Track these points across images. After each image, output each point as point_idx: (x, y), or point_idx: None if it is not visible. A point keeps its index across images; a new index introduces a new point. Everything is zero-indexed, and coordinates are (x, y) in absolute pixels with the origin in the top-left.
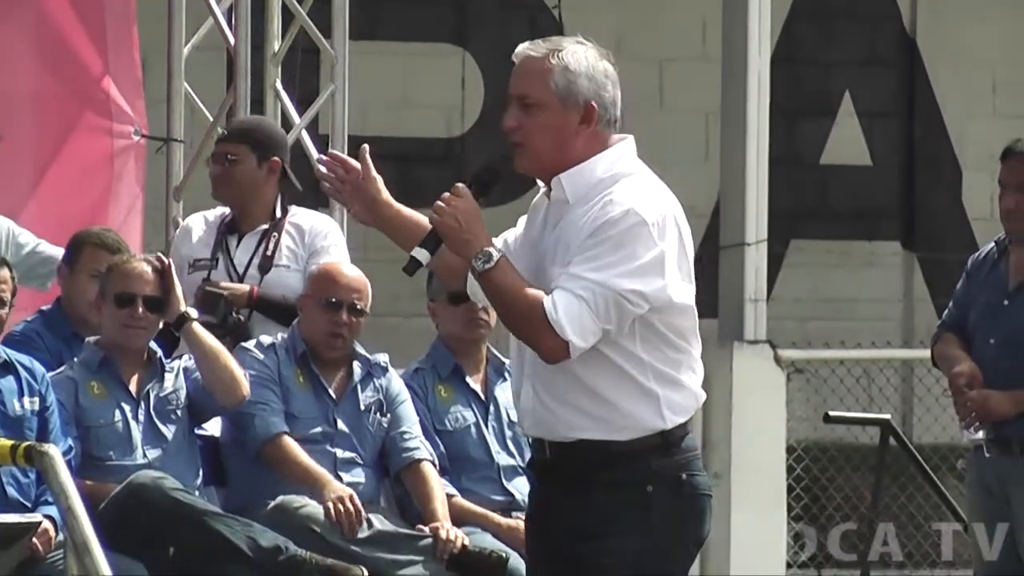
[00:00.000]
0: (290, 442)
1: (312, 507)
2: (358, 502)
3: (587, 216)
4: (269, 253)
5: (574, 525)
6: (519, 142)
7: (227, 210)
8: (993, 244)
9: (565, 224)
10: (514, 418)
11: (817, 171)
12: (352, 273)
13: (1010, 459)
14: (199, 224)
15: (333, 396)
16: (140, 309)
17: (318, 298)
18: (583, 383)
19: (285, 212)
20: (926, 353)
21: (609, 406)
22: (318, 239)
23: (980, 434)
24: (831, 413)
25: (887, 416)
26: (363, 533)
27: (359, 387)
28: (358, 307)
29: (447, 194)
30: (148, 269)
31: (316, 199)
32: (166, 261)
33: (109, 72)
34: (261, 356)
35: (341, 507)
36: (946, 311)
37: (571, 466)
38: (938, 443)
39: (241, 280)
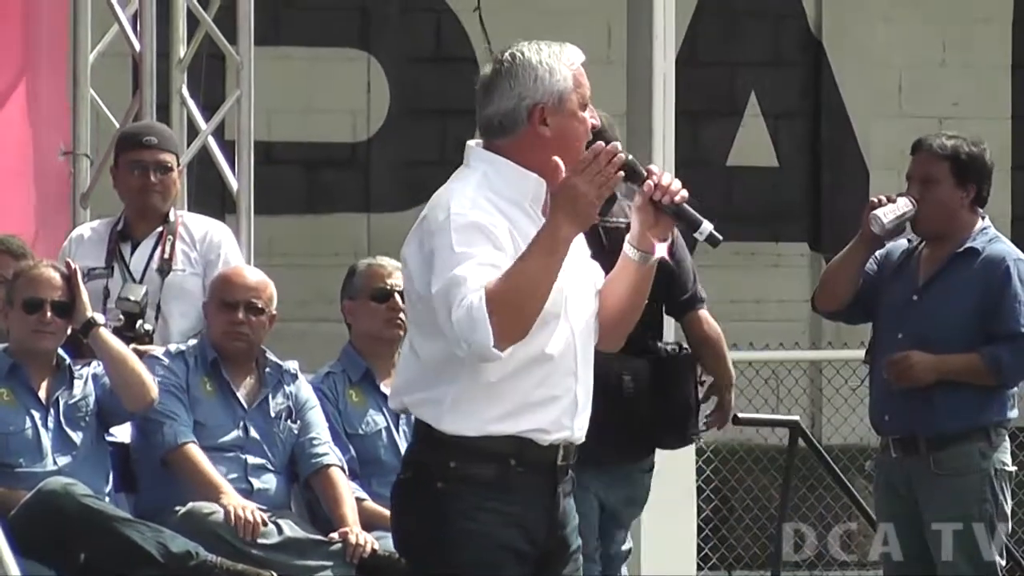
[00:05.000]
0: (195, 452)
1: (222, 513)
2: (259, 513)
3: None
4: (167, 256)
5: (574, 524)
6: None
7: (114, 218)
8: (906, 240)
9: None
10: None
11: (724, 172)
12: (250, 274)
13: (916, 459)
14: (87, 234)
15: (243, 403)
16: (48, 314)
17: (216, 301)
18: None
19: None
20: (834, 354)
21: None
22: (211, 250)
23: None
24: (740, 415)
25: (795, 418)
26: (273, 539)
27: (270, 394)
28: (257, 305)
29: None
30: (55, 275)
31: (222, 206)
32: (72, 266)
33: (39, 85)
34: (168, 363)
35: (241, 513)
36: None
37: (572, 468)
38: (847, 444)
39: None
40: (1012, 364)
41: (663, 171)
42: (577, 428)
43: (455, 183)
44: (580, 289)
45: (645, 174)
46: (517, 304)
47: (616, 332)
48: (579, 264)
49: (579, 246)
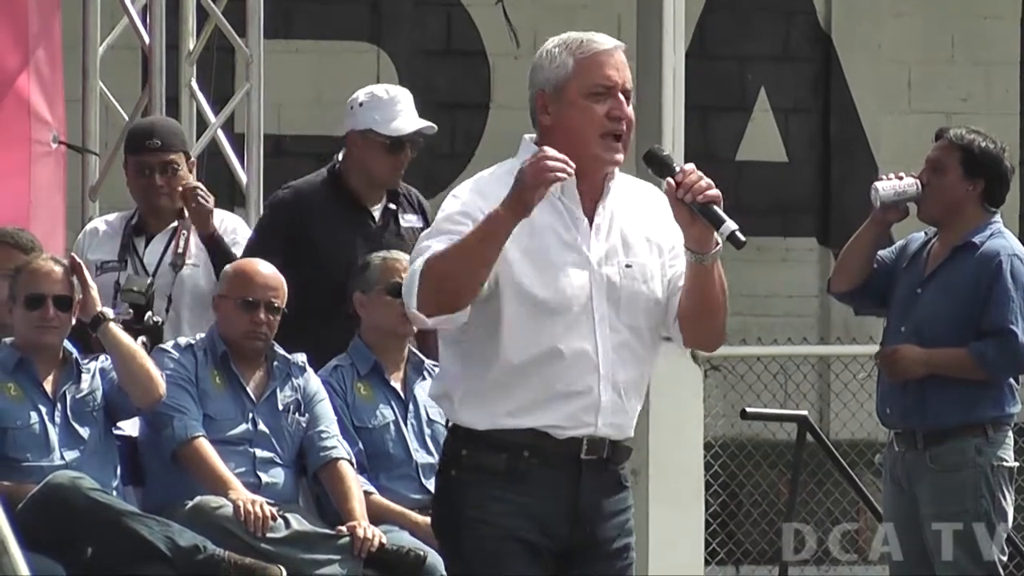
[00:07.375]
0: (206, 445)
1: (230, 507)
2: (268, 508)
3: (647, 206)
4: (181, 251)
5: (617, 522)
6: (624, 135)
7: (129, 212)
8: (924, 233)
9: (624, 214)
10: (433, 416)
11: (733, 167)
12: (267, 271)
13: (915, 453)
14: (102, 227)
15: (252, 397)
16: (51, 310)
17: (235, 298)
18: (646, 381)
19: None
20: (843, 349)
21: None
22: (225, 235)
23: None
24: (748, 410)
25: (804, 412)
26: (281, 533)
27: (278, 387)
28: (275, 305)
29: (694, 169)
30: (57, 268)
31: (231, 199)
32: (78, 261)
33: (30, 75)
34: (178, 357)
35: (251, 507)
36: None
37: (612, 464)
38: (855, 439)
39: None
40: (997, 360)
41: (693, 170)
42: (602, 424)
43: (484, 170)
44: (621, 284)
45: (677, 171)
46: (441, 275)
47: (695, 332)
48: (632, 258)
49: (643, 239)
